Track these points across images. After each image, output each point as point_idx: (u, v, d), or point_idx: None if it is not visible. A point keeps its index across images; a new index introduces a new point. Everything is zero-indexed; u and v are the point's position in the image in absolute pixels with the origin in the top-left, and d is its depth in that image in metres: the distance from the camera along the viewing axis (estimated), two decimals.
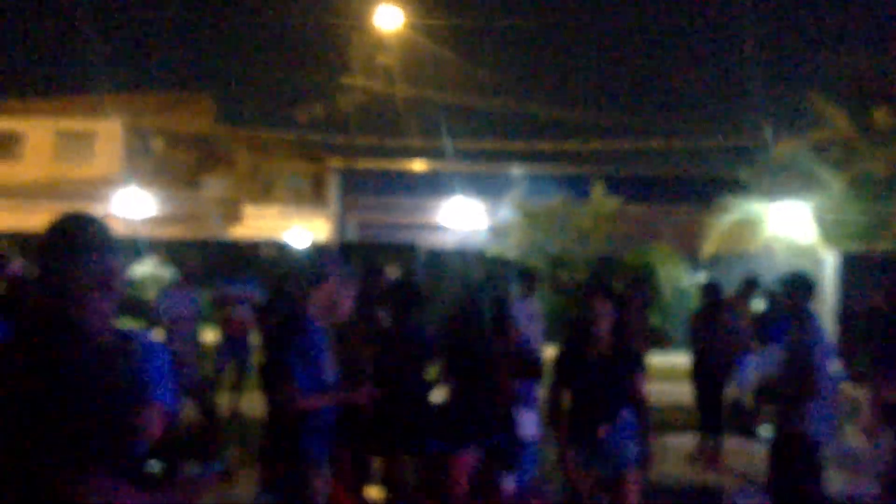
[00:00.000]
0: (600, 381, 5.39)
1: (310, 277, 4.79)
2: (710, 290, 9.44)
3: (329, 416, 4.73)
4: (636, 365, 5.56)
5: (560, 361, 5.60)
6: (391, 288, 6.96)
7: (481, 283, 8.39)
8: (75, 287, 2.43)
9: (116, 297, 2.53)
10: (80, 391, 2.27)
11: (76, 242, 2.48)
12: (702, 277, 18.09)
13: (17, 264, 13.82)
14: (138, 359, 2.76)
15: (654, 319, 16.47)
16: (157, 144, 37.41)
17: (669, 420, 10.23)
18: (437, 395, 6.25)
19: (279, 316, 5.30)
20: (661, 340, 11.16)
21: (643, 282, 10.86)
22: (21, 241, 17.40)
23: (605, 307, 5.40)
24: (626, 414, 5.41)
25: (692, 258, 20.14)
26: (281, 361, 4.57)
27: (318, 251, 13.37)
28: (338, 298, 4.69)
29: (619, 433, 5.35)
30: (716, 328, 9.02)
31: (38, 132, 35.45)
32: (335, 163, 30.47)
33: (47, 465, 2.24)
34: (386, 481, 6.58)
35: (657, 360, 10.92)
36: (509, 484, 6.30)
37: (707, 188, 24.25)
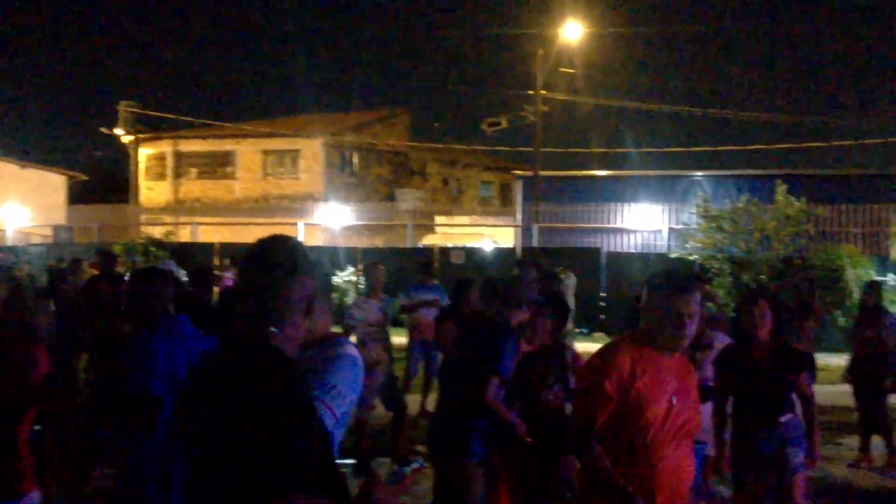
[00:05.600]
0: (761, 385, 5.38)
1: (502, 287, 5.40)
2: (872, 288, 9.51)
3: (496, 423, 5.23)
4: (801, 366, 5.51)
5: (720, 367, 5.65)
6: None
7: None
8: (274, 309, 2.49)
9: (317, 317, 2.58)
10: (272, 414, 2.28)
11: (275, 265, 2.53)
12: (893, 278, 17.52)
13: (230, 275, 15.13)
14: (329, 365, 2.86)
15: (842, 321, 16.14)
16: (356, 160, 39.44)
17: (832, 421, 10.18)
18: None
19: (480, 320, 5.78)
20: None
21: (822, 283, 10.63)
22: (234, 254, 18.84)
23: (762, 312, 5.40)
24: (793, 418, 5.38)
25: (882, 259, 19.44)
26: (489, 359, 5.11)
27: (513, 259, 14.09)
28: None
29: (786, 439, 5.32)
30: (879, 327, 8.98)
31: (248, 152, 38.24)
32: (520, 172, 31.39)
33: (247, 485, 2.25)
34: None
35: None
36: None
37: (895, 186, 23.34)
